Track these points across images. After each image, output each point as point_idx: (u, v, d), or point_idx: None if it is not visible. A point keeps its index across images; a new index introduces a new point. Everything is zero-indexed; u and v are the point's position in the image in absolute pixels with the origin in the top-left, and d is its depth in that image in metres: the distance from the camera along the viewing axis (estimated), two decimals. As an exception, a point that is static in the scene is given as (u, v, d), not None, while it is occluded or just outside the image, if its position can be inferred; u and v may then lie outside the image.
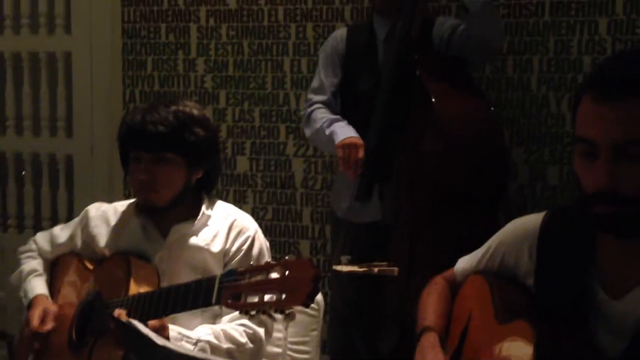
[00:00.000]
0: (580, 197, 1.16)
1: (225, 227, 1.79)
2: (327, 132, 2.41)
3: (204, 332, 1.64)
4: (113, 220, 1.85)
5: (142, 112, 1.73)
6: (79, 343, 1.69)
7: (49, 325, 1.74)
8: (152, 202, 1.74)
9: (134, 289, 1.63)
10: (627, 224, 1.11)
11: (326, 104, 2.52)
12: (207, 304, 1.42)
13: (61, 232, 1.92)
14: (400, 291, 2.25)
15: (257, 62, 3.11)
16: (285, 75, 3.08)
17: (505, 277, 1.39)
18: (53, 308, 1.78)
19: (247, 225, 1.81)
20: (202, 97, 3.17)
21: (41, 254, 1.92)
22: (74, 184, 3.37)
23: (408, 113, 2.29)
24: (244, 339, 1.66)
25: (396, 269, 2.21)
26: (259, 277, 1.33)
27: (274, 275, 1.30)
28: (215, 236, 1.78)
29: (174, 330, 1.59)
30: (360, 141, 2.32)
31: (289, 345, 1.92)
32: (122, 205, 1.89)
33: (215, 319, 1.73)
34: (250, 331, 1.68)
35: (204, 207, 1.80)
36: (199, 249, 1.76)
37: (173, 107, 1.73)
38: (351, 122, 2.43)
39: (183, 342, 1.58)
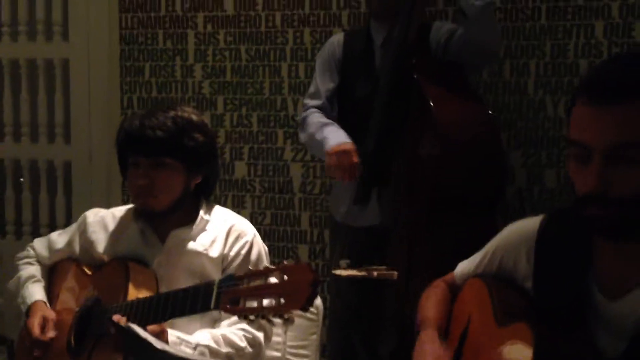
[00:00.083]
0: (574, 200, 1.16)
1: (223, 232, 1.79)
2: (319, 137, 2.41)
3: (203, 336, 1.64)
4: (111, 226, 1.85)
5: (140, 117, 1.74)
6: (78, 348, 1.69)
7: (50, 334, 1.74)
8: (150, 207, 1.74)
9: (133, 294, 1.63)
10: (619, 227, 1.12)
11: (321, 109, 2.52)
12: (205, 309, 1.42)
13: (59, 238, 1.92)
14: (399, 294, 2.25)
15: (255, 67, 3.11)
16: (282, 81, 3.09)
17: (504, 280, 1.39)
18: (52, 315, 1.78)
19: (245, 230, 1.81)
20: (199, 102, 3.18)
21: (39, 260, 1.92)
22: (72, 190, 3.37)
23: (406, 117, 2.30)
24: (243, 344, 1.66)
25: (395, 272, 2.21)
26: (257, 282, 1.33)
27: (273, 280, 1.30)
28: (213, 241, 1.78)
29: (173, 334, 1.59)
30: (351, 146, 2.31)
31: (288, 349, 1.92)
32: (120, 210, 1.89)
33: (214, 323, 1.73)
34: (250, 335, 1.68)
35: (202, 212, 1.80)
36: (197, 254, 1.76)
37: (171, 113, 1.74)
38: (349, 127, 2.43)
39: (182, 347, 1.58)
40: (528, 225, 1.35)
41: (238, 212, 1.90)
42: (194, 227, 1.77)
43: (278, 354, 1.88)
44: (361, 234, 2.46)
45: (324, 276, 2.96)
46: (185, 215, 1.79)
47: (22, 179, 3.45)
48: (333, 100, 2.56)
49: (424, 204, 2.19)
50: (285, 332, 1.87)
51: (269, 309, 1.27)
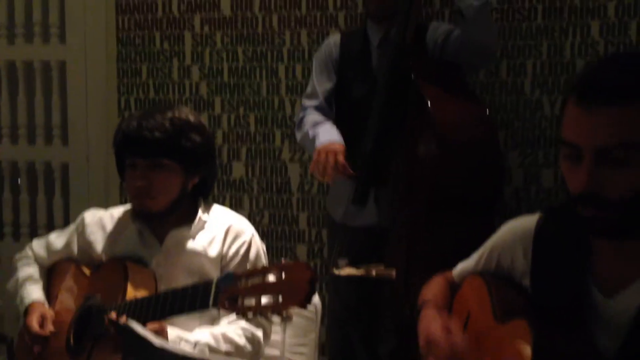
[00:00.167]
0: (568, 200, 1.17)
1: (221, 232, 1.79)
2: (311, 134, 2.41)
3: (203, 334, 1.64)
4: (109, 226, 1.85)
5: (137, 118, 1.73)
6: (77, 348, 1.69)
7: (49, 329, 1.74)
8: (148, 208, 1.74)
9: (131, 293, 1.63)
10: (613, 227, 1.12)
11: (318, 109, 2.52)
12: (204, 307, 1.42)
13: (57, 239, 1.92)
14: (398, 294, 2.25)
15: (252, 68, 3.12)
16: (280, 82, 3.09)
17: (502, 277, 1.40)
18: (50, 313, 1.79)
19: (244, 229, 1.81)
20: (197, 104, 3.18)
21: (37, 260, 1.92)
22: (70, 191, 3.37)
23: (404, 117, 2.30)
24: (242, 341, 1.67)
25: (394, 271, 2.22)
26: (255, 280, 1.33)
27: (271, 278, 1.31)
28: (212, 241, 1.78)
29: (172, 332, 1.59)
30: (340, 146, 2.30)
31: (287, 348, 1.93)
32: (118, 211, 1.89)
33: (213, 321, 1.74)
34: (249, 333, 1.69)
35: (200, 212, 1.80)
36: (196, 253, 1.76)
37: (169, 114, 1.74)
38: (346, 127, 2.43)
39: (181, 345, 1.58)
40: (525, 223, 1.36)
41: (236, 213, 1.91)
42: (192, 226, 1.78)
43: (277, 352, 1.88)
44: (359, 233, 2.47)
45: (323, 276, 2.96)
46: (183, 215, 1.79)
47: (19, 181, 3.45)
48: (331, 100, 2.57)
49: (422, 204, 2.19)
50: (284, 331, 1.87)
51: (267, 306, 1.28)
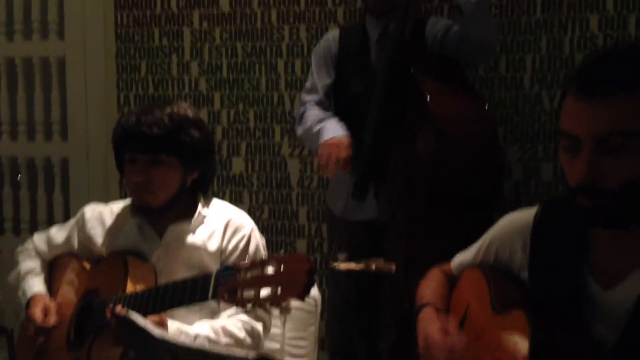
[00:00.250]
0: (567, 191, 1.17)
1: (221, 226, 1.79)
2: (315, 129, 2.41)
3: (203, 327, 1.65)
4: (109, 221, 1.85)
5: (136, 114, 1.74)
6: (78, 342, 1.70)
7: (52, 319, 1.75)
8: (148, 203, 1.75)
9: (132, 287, 1.64)
10: (611, 217, 1.13)
11: (319, 104, 2.53)
12: (203, 299, 1.43)
13: (58, 233, 1.93)
14: (397, 289, 2.26)
15: (251, 64, 3.12)
16: (279, 77, 3.09)
17: (500, 270, 1.40)
18: (53, 304, 1.80)
19: (243, 223, 1.81)
20: (196, 99, 3.18)
21: (39, 254, 1.93)
22: (70, 187, 3.37)
23: (403, 112, 2.30)
24: (242, 334, 1.67)
25: (393, 265, 2.22)
26: (254, 272, 1.33)
27: (270, 270, 1.31)
28: (211, 235, 1.78)
29: (172, 325, 1.60)
30: (345, 140, 2.31)
31: (287, 341, 1.93)
32: (117, 206, 1.89)
33: (213, 315, 1.74)
34: (249, 326, 1.69)
35: (200, 206, 1.80)
36: (195, 247, 1.76)
37: (168, 109, 1.74)
38: (345, 122, 2.44)
39: (181, 338, 1.58)
40: (523, 216, 1.37)
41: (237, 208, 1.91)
42: (192, 221, 1.78)
43: (277, 345, 1.89)
44: (359, 228, 2.47)
45: (323, 270, 2.97)
46: (183, 210, 1.79)
47: (19, 177, 3.45)
48: (330, 95, 2.57)
49: (422, 199, 2.19)
50: (283, 324, 1.87)
51: (266, 298, 1.28)
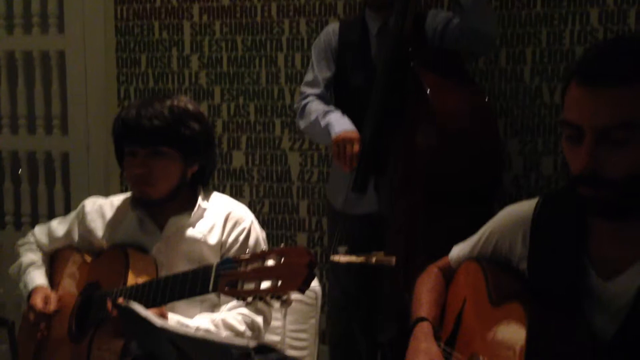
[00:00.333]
0: (569, 180, 1.18)
1: (221, 219, 1.80)
2: (323, 123, 2.41)
3: (203, 320, 1.66)
4: (109, 214, 1.86)
5: (136, 107, 1.74)
6: (79, 334, 1.70)
7: (53, 306, 1.76)
8: (148, 195, 1.75)
9: (132, 280, 1.64)
10: (612, 207, 1.14)
11: (320, 97, 2.52)
12: (204, 291, 1.43)
13: (59, 226, 1.93)
14: (398, 282, 2.26)
15: (251, 57, 3.11)
16: (279, 71, 3.09)
17: (499, 262, 1.41)
18: (54, 294, 1.81)
19: (243, 216, 1.82)
20: (196, 93, 3.18)
21: (39, 246, 1.94)
22: (70, 181, 3.38)
23: (403, 105, 2.30)
24: (242, 327, 1.68)
25: (393, 258, 2.22)
26: (255, 265, 1.34)
27: (270, 262, 1.32)
28: (211, 228, 1.79)
29: (173, 318, 1.60)
30: (356, 134, 2.32)
31: (288, 334, 1.94)
32: (118, 199, 1.90)
33: (214, 308, 1.75)
34: (249, 319, 1.70)
35: (200, 200, 1.81)
36: (195, 240, 1.77)
37: (168, 102, 1.74)
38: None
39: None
40: (523, 207, 1.37)
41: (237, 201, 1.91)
42: (192, 214, 1.78)
43: (277, 338, 1.89)
44: (359, 221, 2.47)
45: (323, 263, 2.98)
46: (183, 202, 1.79)
47: (20, 171, 3.46)
48: (330, 89, 2.57)
49: (422, 192, 2.19)
50: (284, 316, 1.88)
51: (267, 290, 1.29)
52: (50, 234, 1.93)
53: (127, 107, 1.78)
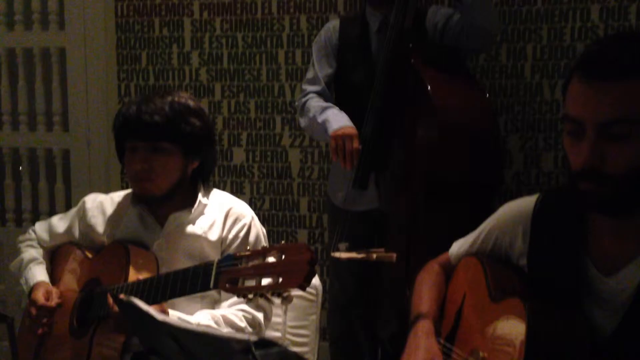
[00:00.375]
0: (569, 175, 1.18)
1: (221, 216, 1.80)
2: (320, 120, 2.41)
3: (204, 317, 1.66)
4: (110, 210, 1.86)
5: (137, 103, 1.74)
6: (81, 330, 1.71)
7: (55, 301, 1.77)
8: (148, 191, 1.75)
9: (133, 276, 1.64)
10: (613, 203, 1.14)
11: (320, 94, 2.52)
12: (205, 288, 1.44)
13: (59, 223, 1.93)
14: (398, 278, 2.26)
15: (252, 54, 3.11)
16: (279, 67, 3.09)
17: (498, 258, 1.41)
18: (55, 289, 1.81)
19: (244, 212, 1.82)
20: (197, 90, 3.18)
21: (40, 243, 1.94)
22: (71, 177, 3.38)
23: (403, 102, 2.31)
24: (243, 324, 1.68)
25: (394, 255, 2.23)
26: (256, 262, 1.34)
27: (271, 259, 1.32)
28: (212, 224, 1.79)
29: (173, 315, 1.60)
30: (354, 130, 2.32)
31: (288, 330, 1.94)
32: (118, 195, 1.90)
33: (214, 304, 1.75)
34: (249, 316, 1.70)
35: (200, 196, 1.81)
36: (196, 237, 1.77)
37: (168, 98, 1.74)
38: (346, 112, 2.43)
39: (182, 326, 1.59)
40: (523, 204, 1.37)
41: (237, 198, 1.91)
42: (192, 210, 1.78)
43: (278, 334, 1.90)
44: (360, 218, 2.48)
45: (324, 260, 2.98)
46: (183, 199, 1.80)
47: (21, 167, 3.46)
48: (331, 85, 2.57)
49: (423, 189, 2.20)
50: (285, 313, 1.88)
51: (267, 286, 1.29)
52: (51, 231, 1.93)
53: (128, 103, 1.78)
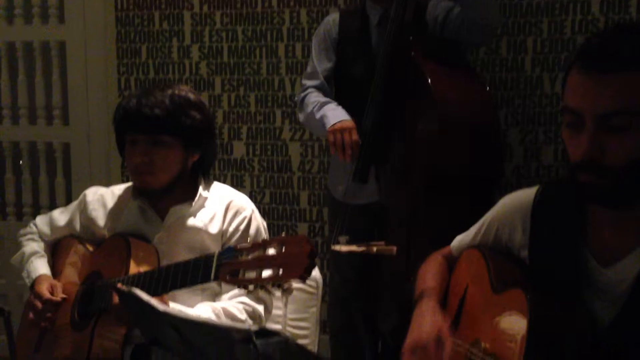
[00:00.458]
0: (569, 167, 1.18)
1: (222, 208, 1.80)
2: (318, 115, 2.41)
3: (204, 309, 1.66)
4: (110, 203, 1.86)
5: (137, 96, 1.75)
6: (82, 323, 1.71)
7: (59, 295, 1.77)
8: (149, 184, 1.75)
9: (134, 269, 1.65)
10: (612, 194, 1.14)
11: (319, 89, 2.52)
12: (205, 280, 1.44)
13: (60, 216, 1.94)
14: (399, 271, 2.27)
15: (252, 48, 3.11)
16: (280, 61, 3.09)
17: (500, 250, 1.41)
18: (59, 283, 1.82)
19: (244, 205, 1.82)
20: (197, 83, 3.18)
21: (41, 236, 1.94)
22: (72, 171, 3.38)
23: (404, 95, 2.30)
24: (243, 316, 1.68)
25: (395, 248, 2.23)
26: (256, 254, 1.34)
27: (271, 251, 1.32)
28: (212, 217, 1.79)
29: (174, 308, 1.60)
30: (351, 123, 2.32)
31: (289, 322, 1.95)
32: (119, 188, 1.90)
33: (215, 297, 1.75)
34: (250, 308, 1.70)
35: (201, 189, 1.81)
36: (197, 230, 1.77)
37: (169, 91, 1.75)
38: (346, 106, 2.43)
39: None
40: (523, 196, 1.37)
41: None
42: (193, 203, 1.79)
43: (278, 326, 1.90)
44: (360, 211, 2.48)
45: (324, 253, 2.98)
46: (184, 192, 1.80)
47: (21, 161, 3.46)
48: (331, 79, 2.57)
49: (423, 182, 2.20)
50: (285, 305, 1.89)
51: (268, 278, 1.29)
52: (52, 224, 1.93)
53: (128, 97, 1.79)
